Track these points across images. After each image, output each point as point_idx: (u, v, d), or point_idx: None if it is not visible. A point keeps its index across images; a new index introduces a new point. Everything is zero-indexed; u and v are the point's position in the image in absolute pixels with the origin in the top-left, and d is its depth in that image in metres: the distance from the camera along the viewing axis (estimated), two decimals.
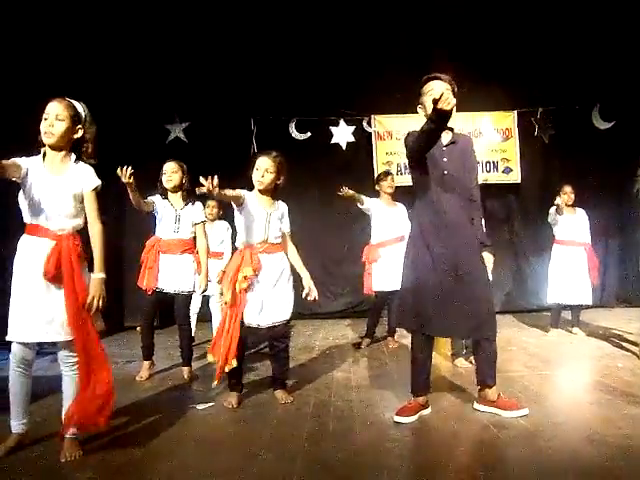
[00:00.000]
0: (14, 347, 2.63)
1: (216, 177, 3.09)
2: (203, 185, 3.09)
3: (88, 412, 2.65)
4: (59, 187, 2.65)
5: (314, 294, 3.60)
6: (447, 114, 2.73)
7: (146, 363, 4.32)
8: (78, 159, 2.74)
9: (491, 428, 2.91)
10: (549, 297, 5.81)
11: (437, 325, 3.06)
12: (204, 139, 7.06)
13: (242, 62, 6.79)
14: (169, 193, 4.26)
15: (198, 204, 4.31)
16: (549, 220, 5.79)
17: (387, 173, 5.55)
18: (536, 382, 3.85)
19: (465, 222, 3.13)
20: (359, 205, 5.29)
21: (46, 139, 2.65)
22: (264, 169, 3.45)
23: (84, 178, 2.71)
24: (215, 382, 3.49)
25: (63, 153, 2.71)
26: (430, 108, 2.93)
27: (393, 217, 5.33)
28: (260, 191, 3.51)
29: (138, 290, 4.32)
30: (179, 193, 4.26)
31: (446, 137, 3.15)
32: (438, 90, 2.97)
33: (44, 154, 2.69)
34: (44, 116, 2.65)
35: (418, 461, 2.56)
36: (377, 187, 5.43)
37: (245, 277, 3.37)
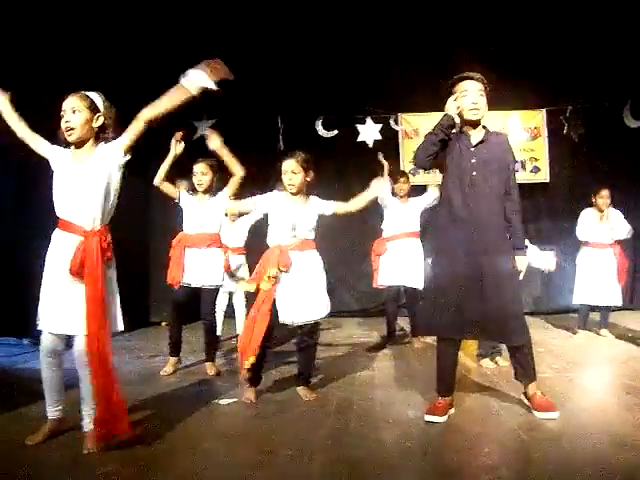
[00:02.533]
0: (43, 337, 2.68)
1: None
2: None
3: (108, 420, 2.63)
4: (84, 179, 2.64)
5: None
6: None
7: (173, 359, 4.34)
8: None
9: (515, 430, 2.87)
10: (575, 298, 5.73)
11: (458, 328, 3.03)
12: (231, 136, 7.00)
13: (270, 60, 6.82)
14: (199, 193, 4.28)
15: (220, 193, 4.25)
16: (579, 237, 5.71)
17: (402, 174, 5.53)
18: (562, 384, 3.79)
19: (493, 226, 3.04)
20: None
21: (68, 136, 2.66)
22: (290, 171, 3.45)
23: (110, 149, 2.70)
24: (242, 375, 3.50)
25: (89, 144, 2.71)
26: (462, 109, 2.96)
27: (405, 212, 5.32)
28: (294, 194, 3.51)
29: (165, 286, 4.36)
30: (208, 193, 4.27)
31: (476, 136, 3.08)
32: (472, 91, 2.98)
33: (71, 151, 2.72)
34: (62, 114, 2.67)
35: (440, 461, 2.54)
36: (392, 188, 5.41)
37: (269, 277, 3.38)
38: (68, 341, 2.73)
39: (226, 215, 4.47)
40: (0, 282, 5.29)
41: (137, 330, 6.56)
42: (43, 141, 2.71)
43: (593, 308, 5.73)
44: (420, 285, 5.18)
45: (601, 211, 5.60)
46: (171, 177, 4.25)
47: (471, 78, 3.05)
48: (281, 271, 3.39)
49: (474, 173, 3.02)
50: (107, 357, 2.63)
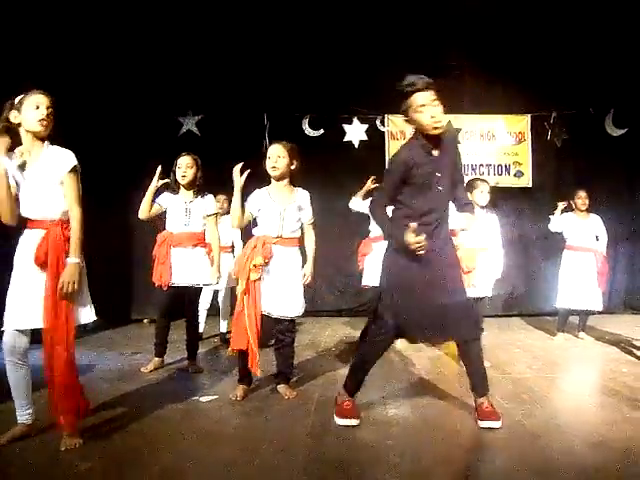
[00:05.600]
0: (6, 336, 2.64)
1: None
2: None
3: (60, 407, 2.65)
4: (37, 176, 2.67)
5: (307, 280, 3.59)
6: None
7: (157, 360, 4.33)
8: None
9: (494, 429, 2.90)
10: (558, 301, 5.79)
11: (413, 329, 3.00)
12: (216, 133, 7.07)
13: (257, 57, 6.82)
14: (181, 188, 4.25)
15: (209, 196, 4.29)
16: (552, 228, 5.76)
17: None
18: (541, 384, 3.84)
19: (445, 229, 3.02)
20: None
21: (41, 128, 2.66)
22: (276, 155, 3.48)
23: (59, 162, 2.69)
24: (256, 373, 3.49)
25: (39, 143, 2.71)
26: (421, 125, 2.86)
27: None
28: (276, 179, 3.53)
29: (147, 284, 4.35)
30: (192, 189, 4.24)
31: (435, 145, 2.94)
32: (427, 104, 2.81)
33: (21, 151, 2.69)
34: (33, 105, 2.65)
35: (419, 459, 2.56)
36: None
37: (255, 266, 3.39)
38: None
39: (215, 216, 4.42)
40: None
41: (119, 327, 6.51)
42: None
43: (573, 311, 5.80)
44: None
45: (581, 211, 5.67)
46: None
47: (421, 89, 2.84)
48: (264, 262, 3.41)
49: (440, 188, 2.94)
50: (69, 347, 2.61)
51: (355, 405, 3.09)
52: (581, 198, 5.68)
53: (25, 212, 2.70)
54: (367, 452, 2.64)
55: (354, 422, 2.98)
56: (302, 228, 3.64)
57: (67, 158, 2.70)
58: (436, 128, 2.85)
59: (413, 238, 2.78)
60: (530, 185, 7.56)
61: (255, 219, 3.58)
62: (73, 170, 2.70)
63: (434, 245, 2.89)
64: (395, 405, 3.28)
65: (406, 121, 2.98)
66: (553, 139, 7.41)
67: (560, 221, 5.73)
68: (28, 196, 2.68)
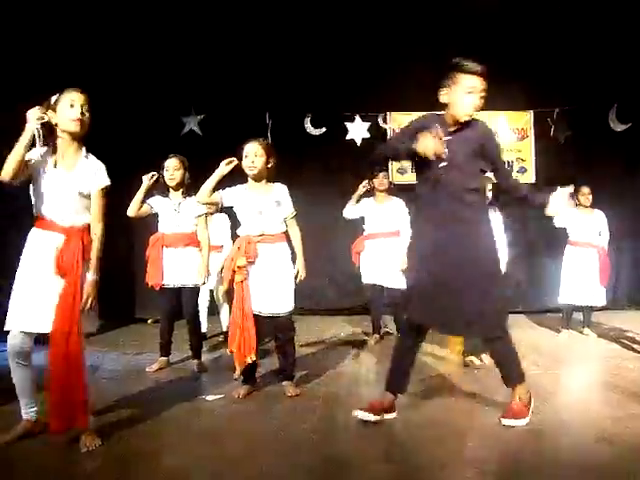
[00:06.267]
0: (11, 337, 2.62)
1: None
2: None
3: (61, 412, 2.61)
4: (69, 183, 2.66)
5: (301, 276, 3.59)
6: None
7: (162, 359, 4.35)
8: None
9: (499, 425, 2.90)
10: (561, 298, 5.78)
11: (435, 320, 2.97)
12: (219, 132, 7.06)
13: (259, 56, 6.80)
14: (170, 189, 4.26)
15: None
16: (556, 224, 5.74)
17: (380, 170, 5.53)
18: (546, 381, 3.83)
19: (465, 217, 2.91)
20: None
21: (76, 128, 2.65)
22: (253, 154, 3.46)
23: (94, 176, 2.71)
24: (235, 374, 3.49)
25: (77, 145, 2.71)
26: (465, 107, 2.84)
27: (385, 212, 5.34)
28: (254, 178, 3.51)
29: (148, 286, 4.36)
30: (180, 189, 4.26)
31: (454, 125, 2.93)
32: (477, 91, 2.83)
33: (54, 146, 2.68)
34: (69, 102, 2.65)
35: (426, 455, 2.56)
36: (371, 183, 5.42)
37: (239, 267, 3.39)
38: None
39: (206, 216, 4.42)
40: None
41: (123, 327, 6.52)
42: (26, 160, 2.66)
43: (576, 307, 5.79)
44: (402, 285, 5.22)
45: (585, 207, 5.66)
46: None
47: (480, 74, 2.86)
48: (248, 262, 3.40)
49: (444, 164, 2.85)
50: (77, 355, 2.61)
51: (388, 401, 3.03)
52: (584, 194, 5.66)
53: (44, 212, 2.66)
54: (372, 448, 2.64)
55: (391, 416, 2.97)
56: (284, 222, 3.60)
57: (101, 175, 2.74)
58: (467, 116, 2.87)
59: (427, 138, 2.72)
60: (534, 181, 7.53)
61: (235, 215, 3.58)
62: (104, 188, 2.73)
63: (446, 236, 2.87)
64: (400, 402, 3.27)
65: (442, 95, 2.94)
66: (556, 135, 7.39)
67: (563, 217, 5.71)
68: (53, 198, 2.65)
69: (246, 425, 3.03)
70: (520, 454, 2.57)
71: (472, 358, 4.36)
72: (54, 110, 2.65)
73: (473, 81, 2.85)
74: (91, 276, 2.67)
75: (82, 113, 2.65)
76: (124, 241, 6.83)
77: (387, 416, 2.97)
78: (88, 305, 2.64)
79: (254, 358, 3.39)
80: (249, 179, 3.55)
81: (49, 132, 2.66)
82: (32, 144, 2.58)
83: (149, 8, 6.18)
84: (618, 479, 2.30)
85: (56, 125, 2.66)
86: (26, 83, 4.95)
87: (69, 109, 2.64)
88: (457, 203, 2.89)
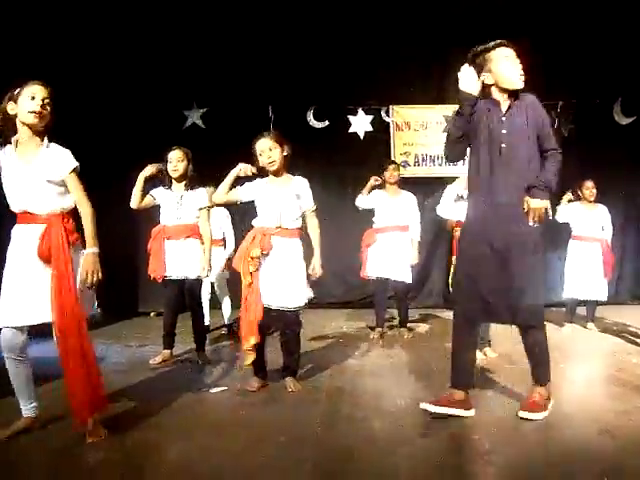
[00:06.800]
0: (2, 334, 2.61)
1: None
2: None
3: (84, 400, 2.60)
4: (33, 173, 2.62)
5: (317, 273, 3.59)
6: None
7: (166, 352, 4.33)
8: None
9: (505, 418, 2.90)
10: (565, 292, 5.77)
11: (482, 311, 2.94)
12: (221, 125, 7.06)
13: (261, 49, 6.79)
14: (173, 181, 4.26)
15: (201, 189, 4.29)
16: (559, 219, 5.71)
17: (390, 163, 5.55)
18: (556, 375, 3.82)
19: (520, 201, 2.84)
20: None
21: (35, 120, 2.61)
22: (267, 149, 3.44)
23: (59, 162, 2.66)
24: (245, 363, 3.48)
25: (38, 137, 2.67)
26: (512, 73, 2.84)
27: (395, 206, 5.33)
28: (274, 173, 3.50)
29: (150, 278, 4.36)
30: (183, 181, 4.25)
31: (505, 104, 2.90)
32: (513, 56, 2.84)
33: (16, 141, 2.65)
34: (29, 95, 2.60)
35: (430, 449, 2.56)
36: (382, 177, 5.42)
37: (252, 258, 3.38)
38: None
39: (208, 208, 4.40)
40: None
41: (125, 320, 6.53)
42: None
43: (580, 302, 5.78)
44: (408, 279, 5.23)
45: (589, 201, 5.64)
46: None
47: (505, 45, 2.89)
48: (262, 254, 3.39)
49: (504, 145, 2.84)
50: (82, 339, 2.60)
51: (457, 396, 2.95)
52: (588, 188, 5.64)
53: (19, 206, 2.65)
54: (378, 440, 2.64)
55: (469, 413, 2.89)
56: (304, 218, 3.60)
57: (67, 160, 2.68)
58: (522, 78, 2.86)
59: None
60: None
61: (255, 208, 3.56)
62: (74, 171, 2.69)
63: (498, 220, 2.83)
64: (405, 395, 3.27)
65: (486, 79, 2.89)
66: (560, 128, 7.35)
67: (567, 211, 5.69)
68: (23, 191, 2.63)
69: (250, 418, 3.03)
70: (525, 446, 2.57)
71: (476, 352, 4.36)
72: (15, 102, 2.62)
73: (504, 50, 2.88)
74: (88, 250, 2.65)
75: (42, 106, 2.61)
76: (126, 234, 6.83)
77: (465, 413, 2.90)
78: (90, 279, 2.62)
79: (253, 341, 3.35)
80: (269, 174, 3.53)
81: (12, 126, 2.65)
82: None
83: (151, 2, 6.16)
84: (620, 471, 2.29)
85: (15, 116, 2.63)
86: (18, 76, 4.96)
87: (29, 101, 2.60)
88: (514, 187, 2.84)
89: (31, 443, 2.64)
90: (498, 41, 2.89)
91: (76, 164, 2.69)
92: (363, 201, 5.39)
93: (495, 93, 2.93)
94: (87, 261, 2.64)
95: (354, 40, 6.78)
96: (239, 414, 3.09)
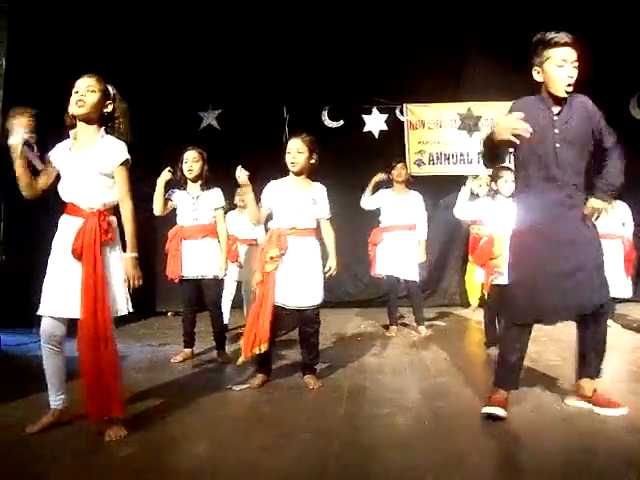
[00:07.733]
0: (43, 322, 2.65)
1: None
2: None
3: (98, 401, 2.62)
4: (84, 163, 2.66)
5: (332, 272, 3.61)
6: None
7: (187, 351, 4.38)
8: (109, 134, 2.76)
9: (526, 414, 2.90)
10: None
11: (550, 313, 2.93)
12: (237, 126, 7.09)
13: (276, 50, 6.82)
14: (188, 182, 4.28)
15: (216, 190, 4.31)
16: None
17: (398, 161, 5.56)
18: (571, 371, 3.80)
19: (577, 204, 2.82)
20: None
21: (77, 109, 2.65)
22: (295, 150, 3.47)
23: (111, 153, 2.69)
24: (240, 360, 3.50)
25: (93, 128, 2.72)
26: (561, 81, 2.74)
27: (402, 205, 5.36)
28: (295, 173, 3.52)
29: (168, 279, 4.39)
30: (198, 181, 4.27)
31: (555, 103, 2.83)
32: (569, 61, 2.71)
33: (75, 134, 2.72)
34: (74, 90, 2.66)
35: (454, 444, 2.56)
36: (390, 175, 5.43)
37: (271, 258, 3.40)
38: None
39: (234, 208, 4.43)
40: (11, 275, 5.37)
41: (143, 320, 6.58)
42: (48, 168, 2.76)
43: None
44: (415, 277, 5.25)
45: None
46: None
47: (569, 45, 2.74)
48: (280, 254, 3.42)
49: (557, 145, 2.77)
50: (107, 340, 2.62)
51: (502, 395, 2.90)
52: None
53: (65, 196, 2.70)
54: (401, 436, 2.66)
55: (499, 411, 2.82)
56: (318, 223, 3.61)
57: (120, 150, 2.71)
58: (567, 88, 2.77)
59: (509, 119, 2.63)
60: None
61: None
62: (125, 163, 2.72)
63: (558, 227, 2.79)
64: (426, 391, 3.28)
65: (536, 74, 2.87)
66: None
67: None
68: (71, 181, 2.68)
69: (273, 415, 3.05)
70: (548, 442, 2.56)
71: (494, 348, 4.35)
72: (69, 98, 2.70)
73: (563, 52, 2.75)
74: (128, 254, 2.72)
75: (83, 94, 2.65)
76: (143, 234, 6.85)
77: (504, 413, 2.83)
78: (132, 284, 2.72)
79: (263, 349, 3.38)
80: (290, 173, 3.55)
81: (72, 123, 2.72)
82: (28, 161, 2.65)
83: (167, 5, 6.21)
84: None
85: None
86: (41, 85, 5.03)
87: (73, 95, 2.67)
88: (569, 187, 2.81)
89: (58, 437, 2.66)
90: (563, 38, 2.75)
91: (127, 157, 2.72)
92: (367, 202, 5.42)
93: (544, 92, 2.87)
94: (128, 265, 2.71)
95: (368, 39, 6.79)
96: (262, 411, 3.11)
